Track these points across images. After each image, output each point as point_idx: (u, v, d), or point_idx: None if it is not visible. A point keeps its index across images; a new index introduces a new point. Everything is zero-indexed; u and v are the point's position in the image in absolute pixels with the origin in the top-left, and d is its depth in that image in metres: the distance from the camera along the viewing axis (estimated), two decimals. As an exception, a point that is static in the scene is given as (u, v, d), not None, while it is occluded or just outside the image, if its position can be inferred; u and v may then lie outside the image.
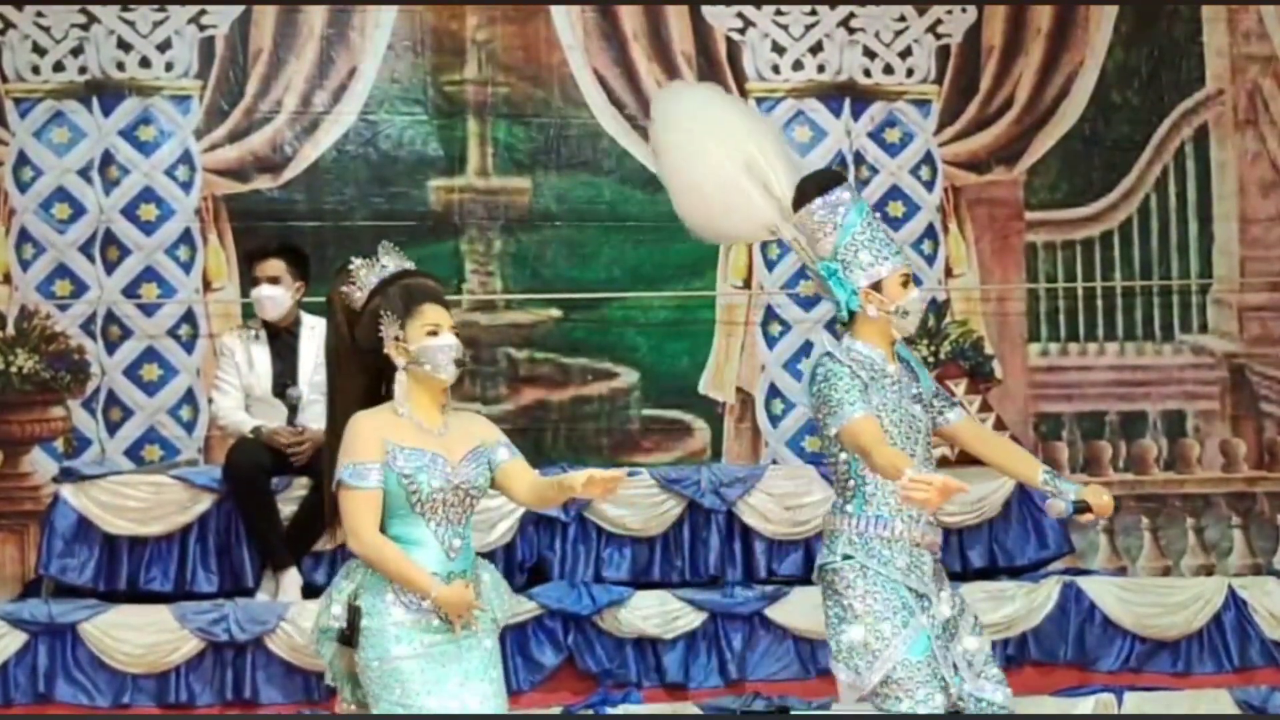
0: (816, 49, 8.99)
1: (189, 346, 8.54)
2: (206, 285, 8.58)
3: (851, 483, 5.33)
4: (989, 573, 7.76)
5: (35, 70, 8.53)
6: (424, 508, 5.00)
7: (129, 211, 8.54)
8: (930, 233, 9.01)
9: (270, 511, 7.33)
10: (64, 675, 7.16)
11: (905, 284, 5.36)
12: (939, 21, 9.07)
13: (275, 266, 7.64)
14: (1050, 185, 9.09)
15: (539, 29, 8.82)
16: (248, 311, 8.09)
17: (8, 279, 8.49)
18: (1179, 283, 9.18)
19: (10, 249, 8.49)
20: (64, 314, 8.49)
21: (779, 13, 8.97)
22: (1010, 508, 7.78)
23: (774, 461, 8.66)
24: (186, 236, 8.55)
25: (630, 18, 8.85)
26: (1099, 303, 9.09)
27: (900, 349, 5.46)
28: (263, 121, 8.65)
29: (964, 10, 9.08)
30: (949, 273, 9.03)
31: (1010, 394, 8.99)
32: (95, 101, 8.55)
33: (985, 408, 8.92)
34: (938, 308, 8.97)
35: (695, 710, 7.36)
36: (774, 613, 7.51)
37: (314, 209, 8.65)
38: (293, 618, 7.09)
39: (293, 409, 7.54)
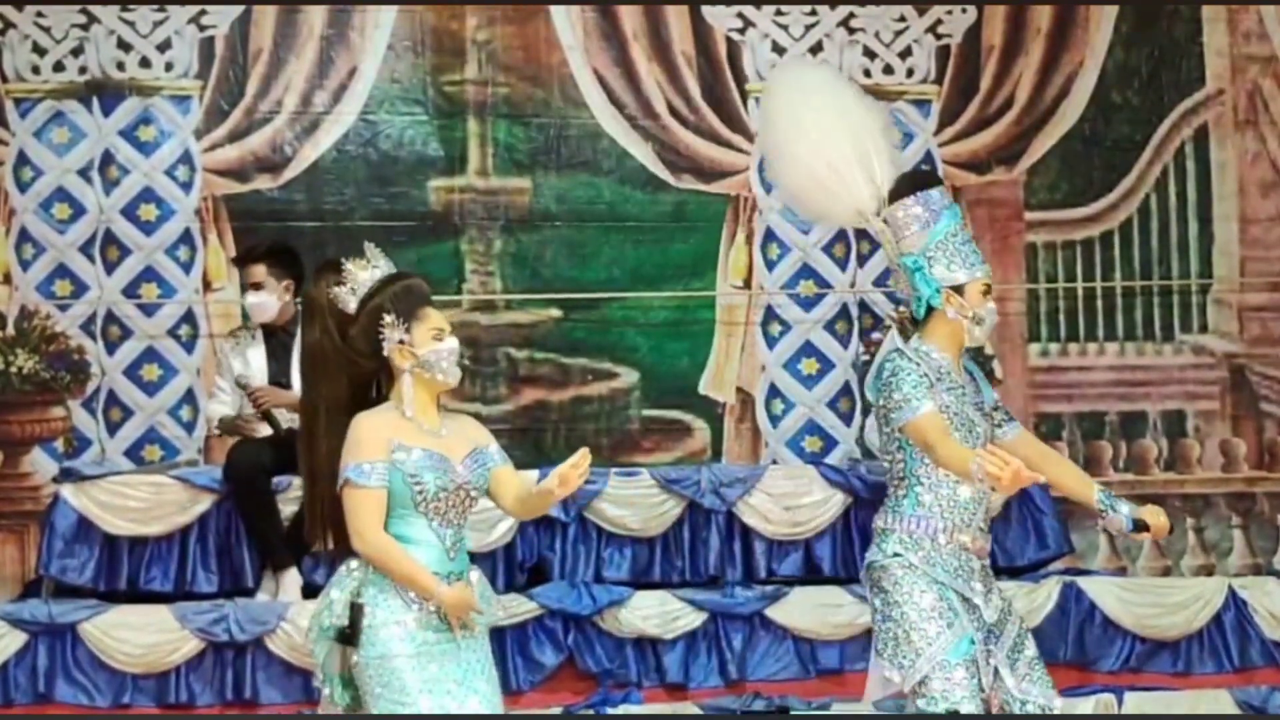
0: (816, 49, 8.99)
1: (189, 346, 8.55)
2: (206, 285, 8.59)
3: (905, 482, 5.35)
4: (989, 573, 7.76)
5: (35, 70, 8.54)
6: (427, 507, 5.01)
7: (129, 211, 8.54)
8: (930, 233, 9.00)
9: (270, 511, 7.33)
10: (64, 675, 7.17)
11: (986, 293, 5.38)
12: (939, 21, 9.07)
13: (257, 272, 7.62)
14: (1050, 185, 9.09)
15: (539, 29, 8.82)
16: (247, 313, 8.09)
17: (8, 279, 8.49)
18: (1179, 283, 9.18)
19: (10, 249, 8.50)
20: (64, 314, 8.50)
21: (779, 13, 8.97)
22: (1010, 508, 7.77)
23: (774, 462, 8.66)
24: (186, 236, 8.55)
25: (630, 18, 8.85)
26: (1099, 303, 9.09)
27: (966, 361, 5.48)
28: (263, 121, 8.65)
29: (964, 10, 9.08)
30: (949, 273, 9.02)
31: (1010, 394, 8.97)
32: (95, 101, 8.55)
33: (985, 408, 8.92)
34: (938, 308, 8.96)
35: (695, 710, 7.36)
36: (774, 613, 7.51)
37: (314, 209, 8.65)
38: (293, 618, 7.09)
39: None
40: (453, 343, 5.11)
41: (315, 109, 8.68)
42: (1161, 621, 7.68)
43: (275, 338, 7.67)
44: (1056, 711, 5.31)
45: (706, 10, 8.92)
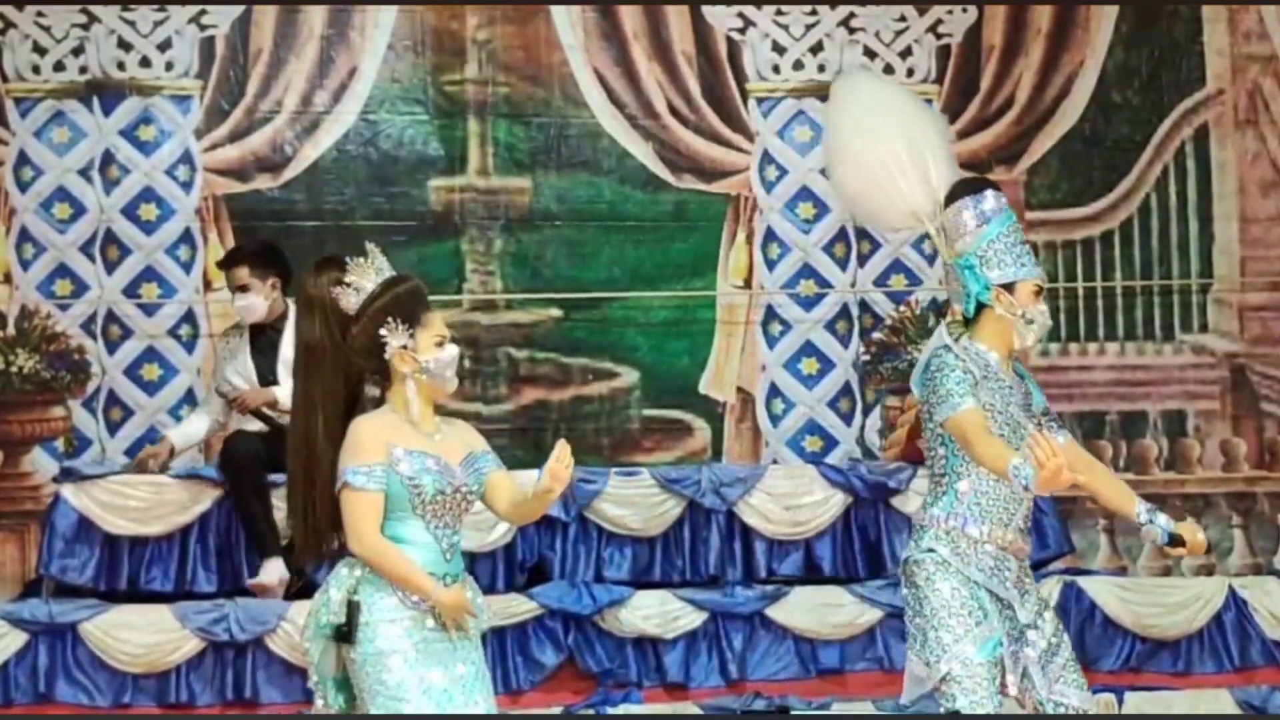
0: (816, 49, 8.99)
1: (189, 346, 8.55)
2: (207, 285, 8.58)
3: (946, 479, 5.36)
4: (989, 572, 7.76)
5: (36, 70, 8.54)
6: (425, 510, 5.02)
7: (129, 211, 8.54)
8: (931, 233, 9.01)
9: (263, 498, 7.31)
10: (64, 675, 7.17)
11: (1037, 294, 5.38)
12: (939, 21, 9.08)
13: (241, 275, 7.60)
14: (1050, 185, 9.10)
15: (539, 29, 8.82)
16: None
17: (8, 279, 8.49)
18: (1179, 283, 9.18)
19: (10, 249, 8.50)
20: (64, 314, 8.49)
21: (779, 13, 8.97)
22: (1010, 508, 7.77)
23: (774, 461, 8.66)
24: (187, 236, 8.55)
25: (630, 18, 8.86)
26: (1099, 303, 9.09)
27: (1017, 365, 5.48)
28: (263, 121, 8.66)
29: (964, 10, 9.09)
30: (949, 272, 9.04)
31: (1010, 394, 8.98)
32: (95, 101, 8.55)
33: (985, 408, 8.92)
34: (938, 307, 8.97)
35: (695, 710, 7.36)
36: (774, 613, 7.51)
37: (314, 209, 8.65)
38: (292, 617, 7.08)
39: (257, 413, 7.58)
40: (454, 350, 5.12)
41: (315, 109, 8.68)
42: (1162, 621, 7.68)
43: (263, 335, 7.66)
44: (1086, 709, 5.32)
45: (706, 10, 8.92)
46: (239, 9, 8.64)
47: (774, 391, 8.91)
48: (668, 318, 8.87)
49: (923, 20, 9.06)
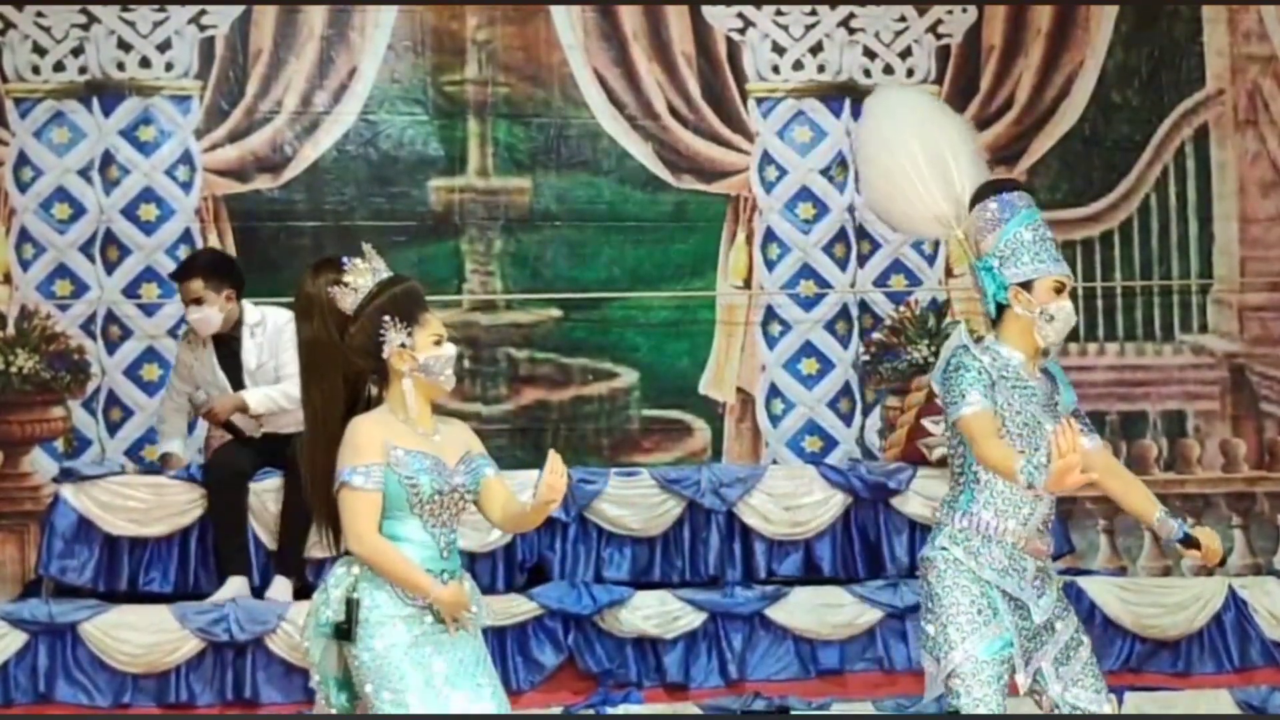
0: (816, 49, 8.99)
1: (189, 346, 8.54)
2: (207, 285, 8.57)
3: (964, 478, 5.38)
4: (989, 573, 7.76)
5: (35, 70, 8.54)
6: (422, 509, 5.04)
7: (129, 211, 8.54)
8: (931, 233, 9.01)
9: (238, 517, 7.34)
10: (64, 675, 7.16)
11: (1058, 291, 5.37)
12: (939, 21, 9.08)
13: (195, 288, 7.53)
14: (1050, 185, 9.09)
15: (539, 29, 8.82)
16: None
17: (8, 279, 8.49)
18: (1179, 283, 9.18)
19: (10, 249, 8.50)
20: (64, 314, 8.50)
21: (779, 13, 8.97)
22: (1010, 508, 7.76)
23: (774, 462, 8.66)
24: (186, 236, 8.55)
25: (630, 18, 8.86)
26: (1099, 303, 9.09)
27: (1051, 364, 5.48)
28: (263, 121, 8.66)
29: (964, 10, 9.09)
30: (949, 272, 9.03)
31: (1010, 394, 8.98)
32: (95, 101, 8.55)
33: (985, 408, 8.91)
34: (937, 307, 8.97)
35: (695, 710, 7.36)
36: (774, 613, 7.51)
37: (314, 209, 8.65)
38: (293, 618, 7.08)
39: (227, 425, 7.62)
40: (452, 349, 5.15)
41: (315, 109, 8.68)
42: (1161, 621, 7.68)
43: (225, 345, 7.61)
44: (1107, 713, 5.32)
45: (706, 10, 8.92)
46: (239, 9, 8.64)
47: (774, 392, 8.91)
48: (668, 318, 8.88)
49: (923, 20, 9.07)
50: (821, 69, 8.98)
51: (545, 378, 8.78)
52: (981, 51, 9.11)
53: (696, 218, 8.92)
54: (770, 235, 8.92)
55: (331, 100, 8.69)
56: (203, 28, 8.63)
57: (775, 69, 8.97)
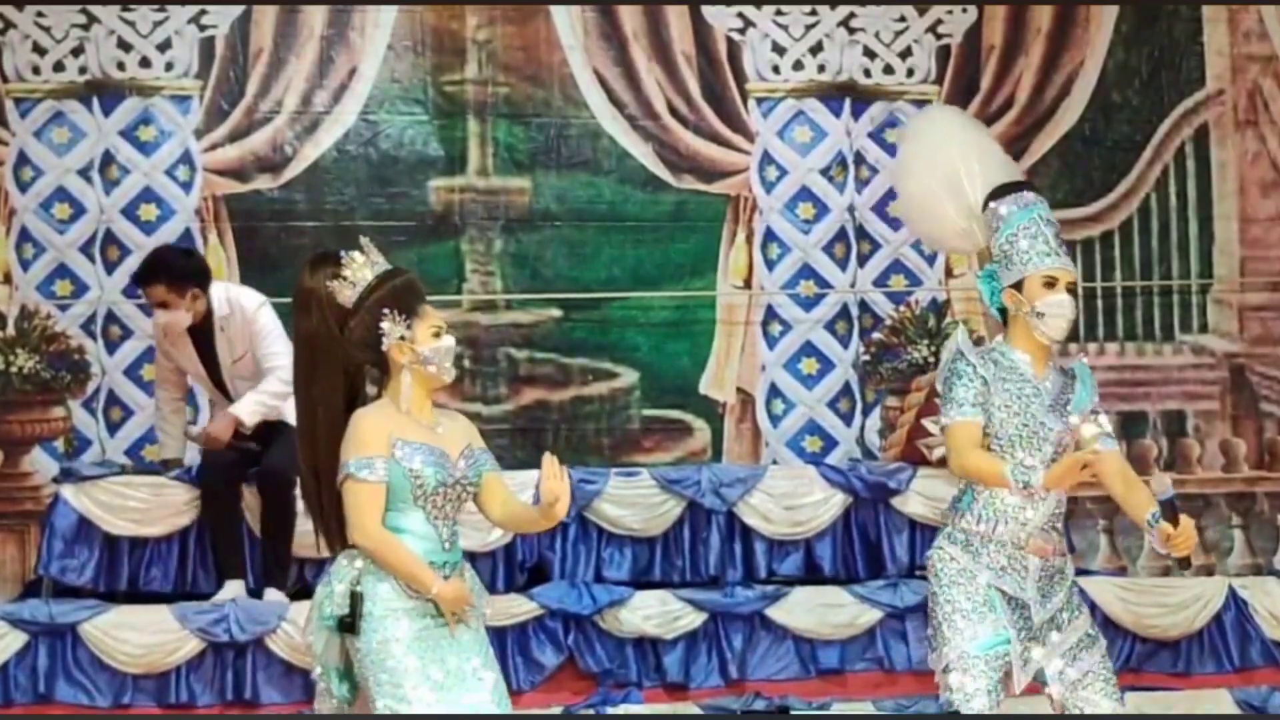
0: (816, 49, 8.99)
1: (189, 347, 8.53)
2: (206, 285, 8.57)
3: (965, 479, 5.41)
4: (989, 573, 7.76)
5: (35, 70, 8.53)
6: (425, 501, 5.05)
7: (129, 211, 8.54)
8: (930, 233, 9.00)
9: (233, 521, 7.35)
10: (64, 675, 7.17)
11: (1050, 286, 5.37)
12: (939, 21, 9.08)
13: (159, 293, 7.48)
14: (1050, 185, 9.07)
15: (539, 29, 8.82)
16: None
17: (8, 279, 8.49)
18: (1179, 283, 9.18)
19: (10, 249, 8.49)
20: (64, 314, 8.49)
21: (779, 13, 8.97)
22: (1010, 508, 7.76)
23: (774, 462, 8.66)
24: (186, 236, 8.54)
25: (630, 18, 8.86)
26: (1099, 303, 9.09)
27: (1078, 366, 5.50)
28: (263, 121, 8.66)
29: (964, 10, 9.09)
30: (949, 273, 9.03)
31: (1010, 394, 8.97)
32: (95, 101, 8.55)
33: (985, 408, 8.91)
34: (937, 308, 8.97)
35: (695, 710, 7.36)
36: (774, 613, 7.51)
37: (314, 209, 8.65)
38: (293, 618, 7.09)
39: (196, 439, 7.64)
40: (451, 340, 5.17)
41: (315, 109, 8.68)
42: (1162, 621, 7.68)
43: (202, 335, 7.56)
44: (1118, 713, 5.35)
45: (706, 10, 8.92)
46: (239, 9, 8.64)
47: (774, 392, 8.91)
48: (668, 318, 8.87)
49: (923, 20, 9.06)
50: (821, 69, 8.97)
51: (545, 378, 8.78)
52: (981, 51, 9.11)
53: (696, 218, 8.92)
54: (770, 235, 8.92)
55: (331, 100, 8.69)
56: (203, 28, 8.62)
57: (775, 69, 8.97)
